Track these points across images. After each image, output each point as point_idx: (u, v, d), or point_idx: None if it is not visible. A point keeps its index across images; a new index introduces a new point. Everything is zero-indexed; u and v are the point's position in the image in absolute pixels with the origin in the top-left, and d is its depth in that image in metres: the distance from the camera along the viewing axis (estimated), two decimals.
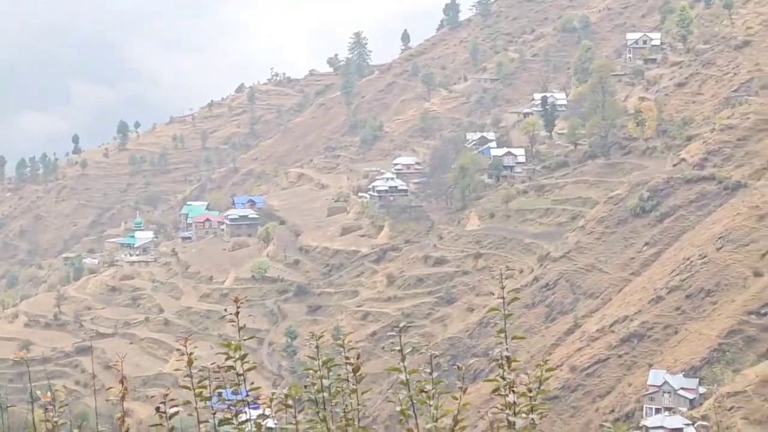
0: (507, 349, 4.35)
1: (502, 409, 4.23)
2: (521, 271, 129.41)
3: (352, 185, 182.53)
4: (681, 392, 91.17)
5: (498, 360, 4.35)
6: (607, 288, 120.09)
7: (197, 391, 4.35)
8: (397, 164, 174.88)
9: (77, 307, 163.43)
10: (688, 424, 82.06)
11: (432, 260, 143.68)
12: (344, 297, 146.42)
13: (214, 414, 4.40)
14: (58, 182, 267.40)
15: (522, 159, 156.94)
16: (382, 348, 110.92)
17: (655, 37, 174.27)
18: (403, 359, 4.43)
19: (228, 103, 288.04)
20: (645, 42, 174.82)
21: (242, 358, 4.51)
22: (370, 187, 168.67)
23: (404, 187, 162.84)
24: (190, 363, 4.41)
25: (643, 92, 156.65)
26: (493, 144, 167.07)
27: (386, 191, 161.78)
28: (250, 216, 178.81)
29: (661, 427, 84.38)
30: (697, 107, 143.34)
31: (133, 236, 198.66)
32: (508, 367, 4.27)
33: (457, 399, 4.30)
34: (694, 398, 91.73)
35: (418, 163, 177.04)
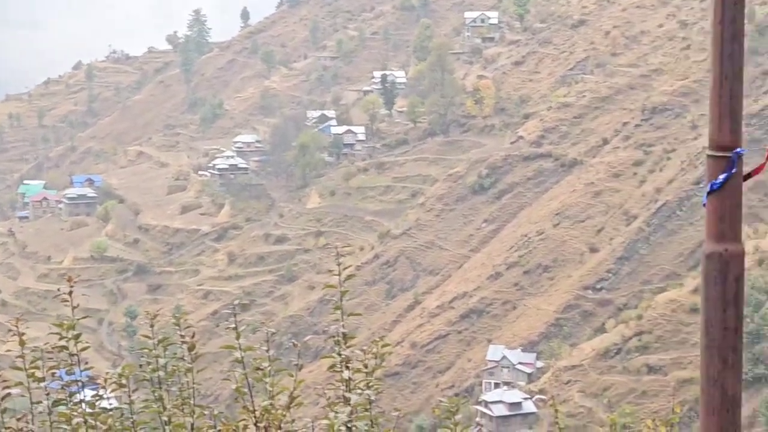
0: (344, 326, 4.28)
1: (338, 386, 4.26)
2: (362, 249, 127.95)
3: (192, 163, 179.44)
4: (519, 367, 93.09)
5: (335, 337, 4.30)
6: (447, 265, 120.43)
7: (30, 371, 4.39)
8: (237, 142, 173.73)
9: None
10: (526, 398, 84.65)
11: (273, 238, 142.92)
12: (185, 276, 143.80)
13: (47, 395, 4.42)
14: None
15: (362, 137, 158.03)
16: (224, 327, 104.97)
17: (493, 16, 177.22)
18: (237, 337, 4.38)
19: (65, 81, 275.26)
20: (483, 20, 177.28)
21: (76, 338, 4.47)
22: (211, 165, 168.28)
23: (245, 166, 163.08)
24: (21, 344, 4.42)
25: (481, 71, 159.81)
26: (334, 122, 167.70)
27: (226, 169, 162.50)
28: (88, 195, 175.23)
29: (500, 401, 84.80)
30: (534, 85, 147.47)
31: None
32: (345, 344, 4.25)
33: (293, 376, 4.35)
34: (532, 372, 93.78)
35: (258, 141, 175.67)
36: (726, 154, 2.04)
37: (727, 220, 2.08)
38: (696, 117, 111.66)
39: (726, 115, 2.08)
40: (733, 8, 2.11)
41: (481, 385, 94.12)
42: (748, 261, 66.82)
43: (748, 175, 2.10)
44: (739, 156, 2.03)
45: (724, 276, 2.05)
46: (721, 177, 2.02)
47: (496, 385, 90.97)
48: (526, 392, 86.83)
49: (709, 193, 2.07)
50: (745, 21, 2.24)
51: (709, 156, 2.08)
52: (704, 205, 2.15)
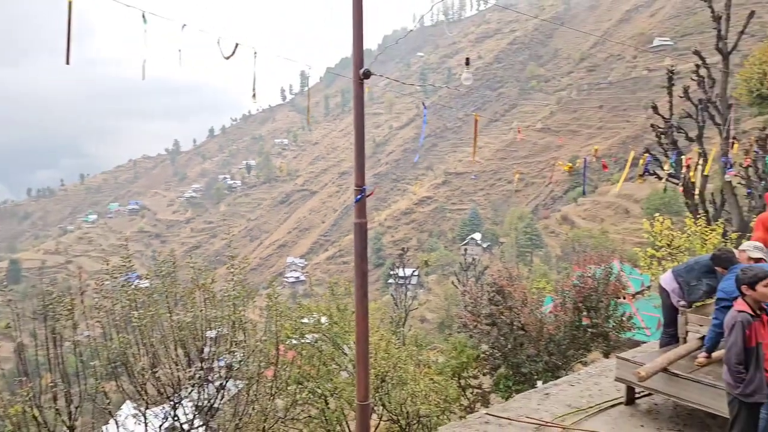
0: None
1: None
2: None
3: None
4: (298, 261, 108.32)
5: None
6: None
7: None
8: None
9: None
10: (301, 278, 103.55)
11: None
12: None
13: None
14: None
15: None
16: None
17: None
18: None
19: None
20: None
21: None
22: None
23: None
24: None
25: None
26: None
27: None
28: None
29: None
30: None
31: None
32: None
33: None
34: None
35: None
36: (361, 188, 5.31)
37: (362, 210, 5.42)
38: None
39: (359, 168, 5.35)
40: (360, 116, 5.29)
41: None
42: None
43: (368, 195, 5.43)
44: (364, 189, 5.32)
45: (362, 235, 5.40)
46: (358, 197, 5.31)
47: None
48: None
49: (355, 203, 5.37)
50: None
51: (356, 189, 5.36)
52: (356, 201, 5.44)
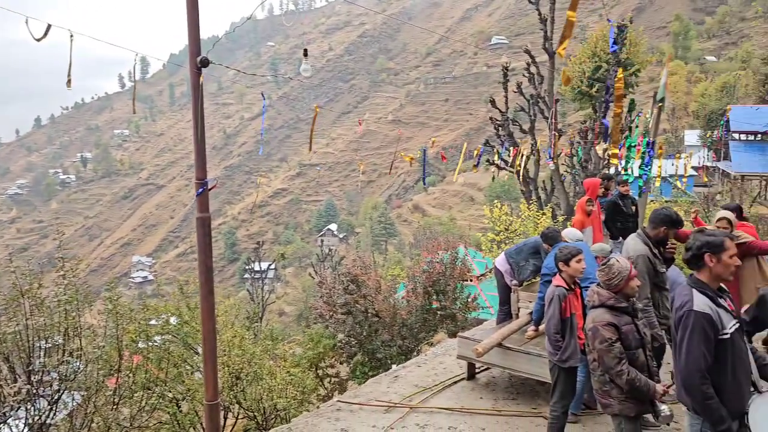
0: None
1: None
2: None
3: None
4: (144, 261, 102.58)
5: None
6: None
7: None
8: None
9: None
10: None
11: None
12: None
13: None
14: None
15: None
16: None
17: None
18: None
19: None
20: None
21: None
22: None
23: None
24: None
25: None
26: None
27: None
28: None
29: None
30: None
31: None
32: None
33: None
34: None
35: None
36: (202, 181, 5.13)
37: (205, 204, 5.24)
38: None
39: (200, 161, 5.16)
40: (198, 107, 5.10)
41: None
42: None
43: (211, 188, 5.26)
44: (206, 182, 5.14)
45: (205, 230, 5.23)
46: (200, 190, 5.12)
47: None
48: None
49: (197, 196, 5.17)
50: None
51: (197, 182, 5.15)
52: (198, 194, 5.24)
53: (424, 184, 16.51)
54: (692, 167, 42.47)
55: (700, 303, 3.49)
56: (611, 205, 9.88)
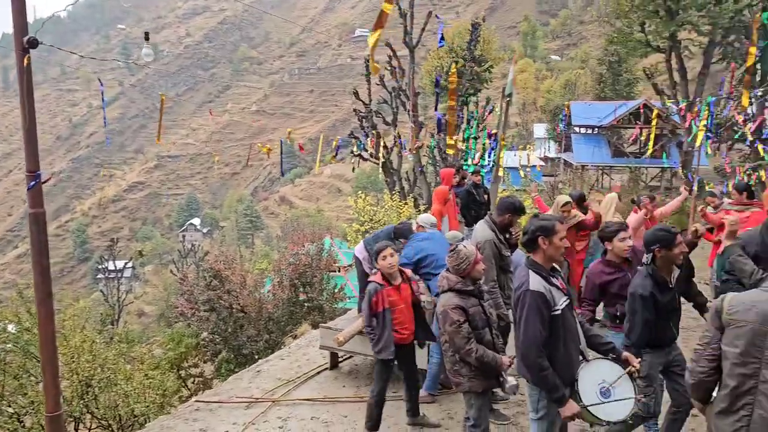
0: None
1: None
2: None
3: None
4: None
5: None
6: None
7: None
8: None
9: None
10: None
11: None
12: None
13: None
14: None
15: None
16: None
17: None
18: None
19: None
20: None
21: None
22: None
23: None
24: None
25: None
26: None
27: None
28: None
29: None
30: None
31: None
32: None
33: None
34: None
35: None
36: (34, 173, 4.67)
37: (38, 199, 4.79)
38: None
39: (31, 151, 4.69)
40: (28, 92, 4.64)
41: None
42: None
43: (45, 181, 4.81)
44: (39, 174, 4.69)
45: (39, 227, 4.78)
46: (32, 183, 4.67)
47: None
48: None
49: (28, 190, 4.71)
50: None
51: (28, 175, 4.68)
52: (29, 188, 4.77)
53: (282, 175, 16.40)
54: (540, 158, 46.08)
55: (536, 283, 3.78)
56: (465, 194, 10.42)
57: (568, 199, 7.63)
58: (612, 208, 8.47)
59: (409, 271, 5.57)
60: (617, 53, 41.42)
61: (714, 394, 3.08)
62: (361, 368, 7.22)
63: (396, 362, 5.40)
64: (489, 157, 14.22)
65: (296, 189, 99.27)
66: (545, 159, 48.72)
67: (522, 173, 25.12)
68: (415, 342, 5.52)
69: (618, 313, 4.74)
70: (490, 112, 20.19)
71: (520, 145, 31.23)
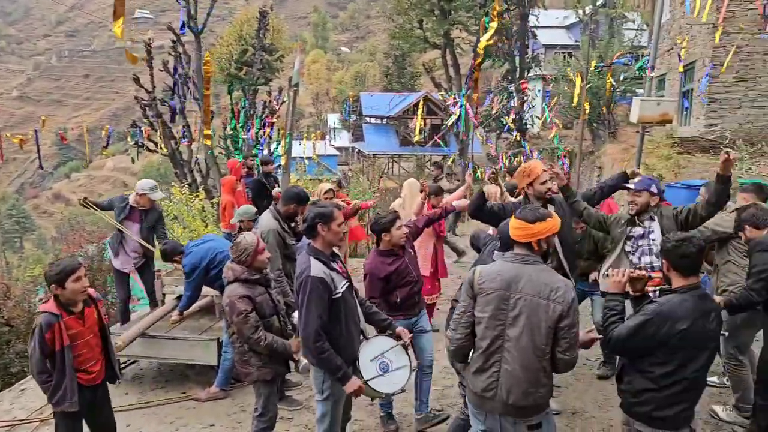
0: None
1: None
2: None
3: None
4: None
5: None
6: None
7: None
8: None
9: None
10: None
11: None
12: None
13: None
14: None
15: None
16: None
17: None
18: None
19: None
20: None
21: None
22: None
23: None
24: None
25: None
26: None
27: None
28: None
29: None
30: None
31: None
32: None
33: None
34: None
35: None
36: None
37: None
38: None
39: None
40: None
41: None
42: None
43: None
44: None
45: None
46: None
47: None
48: None
49: None
50: None
51: None
52: None
53: (41, 168, 14.80)
54: (333, 146, 47.34)
55: (316, 269, 3.89)
56: (257, 184, 10.35)
57: (330, 186, 8.16)
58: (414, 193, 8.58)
59: (93, 291, 4.20)
60: (401, 48, 44.02)
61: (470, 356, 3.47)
62: (146, 372, 6.80)
63: (85, 412, 4.17)
64: (278, 146, 14.27)
65: (73, 184, 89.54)
66: (339, 149, 50.20)
67: (316, 162, 25.60)
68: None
69: (398, 300, 4.88)
70: (282, 103, 20.20)
71: (312, 135, 31.73)
